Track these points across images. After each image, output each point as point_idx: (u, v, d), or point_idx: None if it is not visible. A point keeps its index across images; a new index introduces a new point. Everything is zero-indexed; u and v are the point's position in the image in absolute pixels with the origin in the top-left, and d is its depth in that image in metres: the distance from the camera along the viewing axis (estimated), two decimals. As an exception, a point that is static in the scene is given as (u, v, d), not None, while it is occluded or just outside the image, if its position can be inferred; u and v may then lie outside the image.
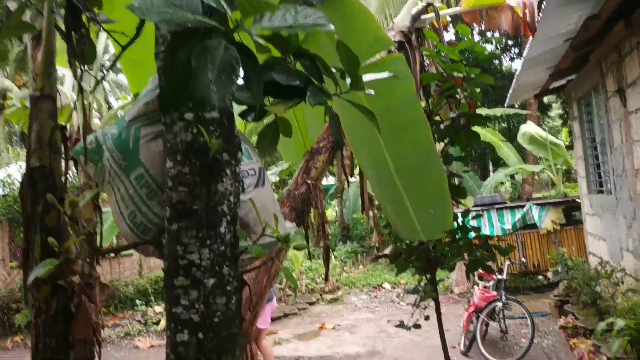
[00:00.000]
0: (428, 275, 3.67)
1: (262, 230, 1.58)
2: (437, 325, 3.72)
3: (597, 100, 7.01)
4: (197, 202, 1.48)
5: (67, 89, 5.31)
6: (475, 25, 5.36)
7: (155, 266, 12.97)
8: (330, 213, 19.38)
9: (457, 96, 3.91)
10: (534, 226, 10.42)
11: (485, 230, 9.89)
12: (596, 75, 6.63)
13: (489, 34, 14.22)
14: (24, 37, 2.17)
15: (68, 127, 3.90)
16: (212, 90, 1.01)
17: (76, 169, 2.10)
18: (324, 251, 3.24)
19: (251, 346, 2.99)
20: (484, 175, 20.62)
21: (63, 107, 4.75)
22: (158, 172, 1.62)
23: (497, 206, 10.53)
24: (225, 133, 1.53)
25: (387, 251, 3.92)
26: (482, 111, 12.62)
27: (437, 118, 3.90)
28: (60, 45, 2.06)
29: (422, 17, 4.04)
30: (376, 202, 8.75)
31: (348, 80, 1.71)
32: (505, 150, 14.43)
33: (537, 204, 10.55)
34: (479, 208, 10.17)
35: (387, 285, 12.85)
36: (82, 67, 1.63)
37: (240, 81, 1.60)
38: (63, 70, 7.51)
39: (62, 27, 1.69)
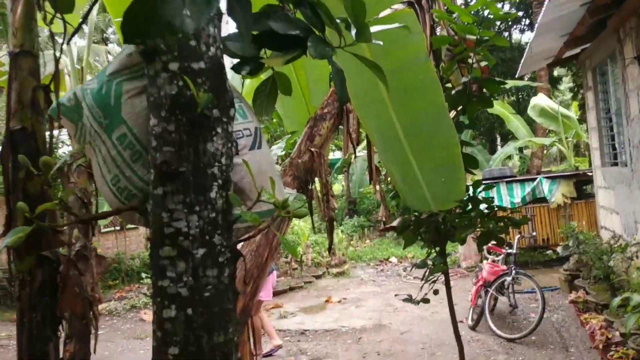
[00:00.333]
0: (437, 248, 3.53)
1: (258, 196, 1.42)
2: (447, 300, 3.59)
3: (614, 68, 6.75)
4: (183, 164, 1.32)
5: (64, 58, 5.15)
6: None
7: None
8: (337, 187, 19.26)
9: (470, 60, 3.71)
10: (543, 200, 10.24)
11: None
12: (613, 42, 6.36)
13: None
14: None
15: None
16: (184, 13, 0.84)
17: (51, 129, 1.94)
18: (328, 222, 3.09)
19: (252, 320, 2.87)
20: (492, 150, 20.35)
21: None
22: (142, 131, 1.46)
23: (506, 179, 10.34)
24: (215, 86, 1.37)
25: (395, 223, 3.77)
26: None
27: (448, 85, 3.71)
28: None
29: (433, -24, 3.82)
30: (383, 174, 8.61)
31: (353, 32, 1.54)
32: (515, 123, 14.16)
33: (547, 177, 10.35)
34: (488, 181, 9.99)
35: (393, 259, 12.77)
36: (55, 15, 1.46)
37: (232, 28, 1.42)
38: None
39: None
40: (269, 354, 6.43)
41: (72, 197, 2.68)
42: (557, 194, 10.06)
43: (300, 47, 1.57)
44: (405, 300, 3.57)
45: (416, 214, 3.64)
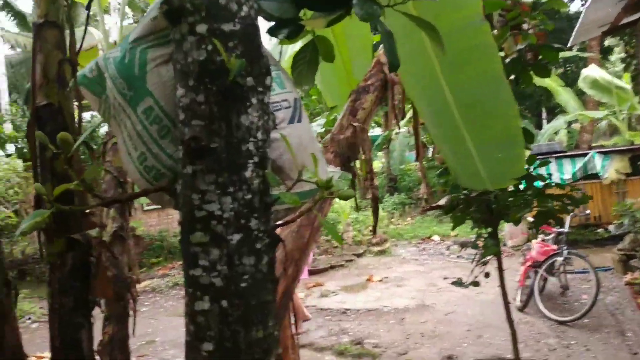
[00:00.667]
0: (489, 229, 3.31)
1: (298, 175, 1.26)
2: (499, 282, 3.38)
3: (678, 34, 6.26)
4: (215, 139, 1.17)
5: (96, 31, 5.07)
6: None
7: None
8: (377, 165, 18.99)
9: (524, 26, 3.43)
10: (595, 176, 9.77)
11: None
12: (678, 5, 5.89)
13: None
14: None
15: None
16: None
17: (79, 104, 1.83)
18: (372, 201, 2.92)
19: (293, 303, 2.75)
20: (538, 125, 19.63)
21: (91, 48, 4.52)
22: (170, 104, 1.31)
23: (555, 155, 9.90)
24: (249, 50, 1.21)
25: (441, 202, 3.57)
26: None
27: (501, 53, 3.44)
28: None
29: None
30: (427, 151, 8.32)
31: (404, -12, 1.35)
32: (564, 96, 13.54)
33: (600, 152, 9.85)
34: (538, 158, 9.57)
35: (436, 238, 12.52)
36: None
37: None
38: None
39: None
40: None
41: (109, 176, 2.59)
42: (611, 169, 9.58)
43: (344, 6, 1.39)
44: (454, 283, 3.38)
45: (465, 192, 3.43)
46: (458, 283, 3.35)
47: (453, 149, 2.36)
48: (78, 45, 1.90)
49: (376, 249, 11.21)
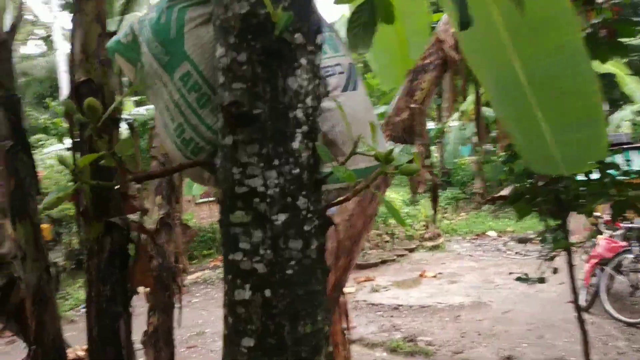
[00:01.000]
0: (557, 221, 3.05)
1: (353, 148, 1.09)
2: (569, 279, 3.11)
3: None
4: (258, 104, 1.02)
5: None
6: None
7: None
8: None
9: (598, 0, 3.14)
10: (666, 169, 9.13)
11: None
12: None
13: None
14: None
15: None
16: None
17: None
18: (431, 189, 2.72)
19: (344, 299, 2.59)
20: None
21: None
22: (210, 69, 1.17)
23: (623, 146, 9.31)
24: (298, 3, 1.05)
25: (504, 192, 3.32)
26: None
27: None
28: None
29: None
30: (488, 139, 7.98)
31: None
32: (632, 86, 12.76)
33: (672, 144, 9.19)
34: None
35: (491, 233, 12.07)
36: None
37: None
38: None
39: None
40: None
41: (155, 162, 2.50)
42: (684, 162, 8.92)
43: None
44: (519, 279, 3.13)
45: (531, 181, 3.17)
46: (523, 279, 3.10)
47: (523, 130, 2.14)
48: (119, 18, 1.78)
49: (429, 244, 10.91)
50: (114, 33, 1.78)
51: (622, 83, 12.91)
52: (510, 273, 7.61)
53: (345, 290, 7.26)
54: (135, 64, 1.28)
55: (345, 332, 3.00)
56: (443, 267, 9.30)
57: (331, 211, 3.81)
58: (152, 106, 1.52)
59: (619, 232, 6.42)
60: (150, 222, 2.78)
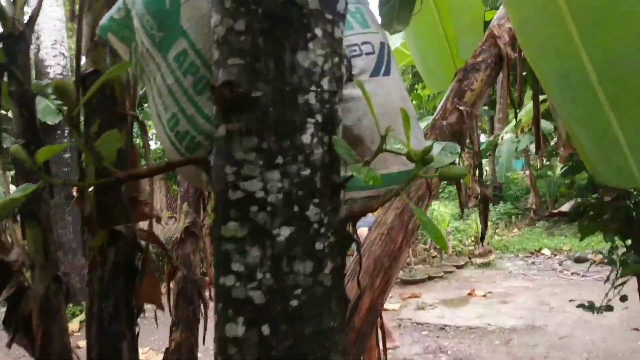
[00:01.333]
0: (627, 242, 2.69)
1: (380, 144, 0.85)
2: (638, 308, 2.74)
3: None
4: (259, 85, 0.80)
5: None
6: None
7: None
8: (481, 171, 17.97)
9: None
10: None
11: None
12: None
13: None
14: None
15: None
16: None
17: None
18: (481, 202, 2.43)
19: (382, 320, 2.32)
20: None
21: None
22: (211, 46, 0.95)
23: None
24: (313, -44, 0.82)
25: (565, 208, 2.98)
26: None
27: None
28: None
29: None
30: (534, 157, 7.55)
31: None
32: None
33: None
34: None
35: (546, 251, 11.45)
36: None
37: None
38: None
39: None
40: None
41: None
42: None
43: None
44: (582, 306, 2.78)
45: (596, 195, 2.82)
46: (590, 307, 2.74)
47: (592, 136, 1.84)
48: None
49: (479, 260, 10.42)
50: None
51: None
52: (570, 301, 7.09)
53: (389, 306, 6.96)
54: (130, 45, 1.09)
55: (384, 352, 2.73)
56: (493, 285, 8.82)
57: (366, 223, 3.55)
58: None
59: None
60: (176, 231, 2.61)
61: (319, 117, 0.83)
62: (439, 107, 2.35)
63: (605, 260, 2.68)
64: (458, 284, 9.05)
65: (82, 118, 1.61)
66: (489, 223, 12.98)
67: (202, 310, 2.52)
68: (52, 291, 1.79)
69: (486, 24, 2.91)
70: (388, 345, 4.44)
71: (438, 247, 10.48)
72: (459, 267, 10.10)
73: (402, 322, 7.02)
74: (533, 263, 10.62)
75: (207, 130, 0.98)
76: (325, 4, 0.84)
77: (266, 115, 0.80)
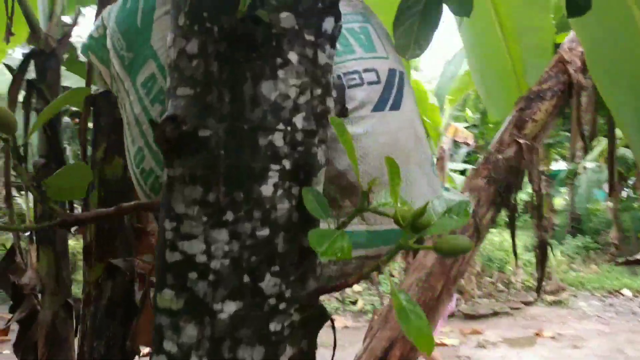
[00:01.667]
0: None
1: (361, 202, 0.66)
2: None
3: None
4: (209, 122, 0.64)
5: None
6: None
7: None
8: (559, 202, 17.04)
9: None
10: None
11: None
12: None
13: None
14: None
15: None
16: None
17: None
18: (538, 247, 2.16)
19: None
20: None
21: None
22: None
23: None
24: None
25: (643, 256, 2.62)
26: None
27: None
28: None
29: None
30: (623, 187, 6.92)
31: None
32: None
33: None
34: None
35: (627, 292, 10.55)
36: None
37: None
38: None
39: None
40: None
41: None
42: None
43: None
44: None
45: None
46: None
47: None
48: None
49: (550, 298, 9.73)
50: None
51: None
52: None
53: (448, 342, 6.58)
54: (109, 66, 0.96)
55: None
56: (564, 327, 8.18)
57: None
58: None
59: None
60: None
61: (286, 163, 0.65)
62: (495, 138, 2.11)
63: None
64: (525, 322, 8.47)
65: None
66: (565, 257, 12.21)
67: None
68: (61, 319, 1.71)
69: (557, 47, 2.64)
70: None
71: (506, 280, 9.92)
72: (527, 303, 9.47)
73: (461, 359, 6.61)
74: (611, 304, 9.79)
75: (174, 168, 0.82)
76: (304, 22, 0.67)
77: (216, 160, 0.63)
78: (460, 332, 7.60)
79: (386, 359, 1.80)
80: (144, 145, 0.85)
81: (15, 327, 1.82)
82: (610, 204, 13.79)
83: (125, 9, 0.87)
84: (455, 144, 10.65)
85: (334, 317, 6.47)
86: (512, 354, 6.85)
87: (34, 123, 0.83)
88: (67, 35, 1.84)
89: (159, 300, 0.66)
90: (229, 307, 0.62)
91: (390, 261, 0.63)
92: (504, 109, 2.67)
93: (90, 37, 0.98)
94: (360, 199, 0.65)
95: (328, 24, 0.70)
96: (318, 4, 0.68)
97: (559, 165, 16.35)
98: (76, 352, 1.53)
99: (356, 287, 10.23)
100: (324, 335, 0.77)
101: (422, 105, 4.17)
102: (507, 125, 2.10)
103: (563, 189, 16.74)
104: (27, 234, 1.84)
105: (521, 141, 2.01)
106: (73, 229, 1.84)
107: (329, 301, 9.67)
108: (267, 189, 0.64)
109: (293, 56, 0.66)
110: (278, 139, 0.65)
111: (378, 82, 0.82)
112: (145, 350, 1.64)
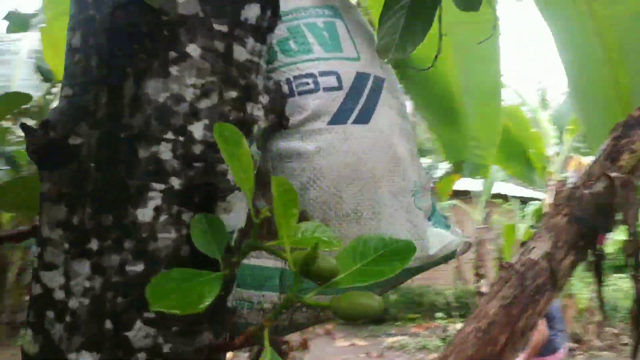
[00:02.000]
0: None
1: (248, 244, 0.50)
2: None
3: None
4: (81, 127, 0.53)
5: None
6: None
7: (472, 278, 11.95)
8: None
9: None
10: None
11: None
12: None
13: None
14: None
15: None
16: None
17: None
18: (635, 301, 1.80)
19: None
20: None
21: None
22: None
23: None
24: None
25: None
26: None
27: None
28: None
29: None
30: None
31: None
32: None
33: None
34: None
35: None
36: None
37: None
38: None
39: None
40: None
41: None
42: None
43: None
44: None
45: None
46: None
47: None
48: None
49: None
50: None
51: None
52: None
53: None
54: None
55: None
56: None
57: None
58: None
59: None
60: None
61: (175, 182, 0.52)
62: (582, 171, 1.80)
63: None
64: (655, 384, 7.39)
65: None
66: None
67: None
68: None
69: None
70: None
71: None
72: (659, 362, 8.31)
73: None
74: None
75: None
76: (214, 9, 0.54)
77: (85, 174, 0.52)
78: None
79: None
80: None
81: None
82: None
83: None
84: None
85: (433, 356, 6.08)
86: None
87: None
88: None
89: (21, 338, 0.55)
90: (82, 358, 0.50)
91: (275, 320, 0.46)
92: (600, 137, 2.33)
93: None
94: (255, 231, 0.49)
95: (250, 12, 0.56)
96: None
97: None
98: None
99: (460, 326, 9.64)
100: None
101: (522, 134, 3.83)
102: (598, 156, 1.79)
103: None
104: None
105: (614, 175, 1.70)
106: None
107: (430, 338, 9.21)
108: (145, 213, 0.51)
109: (193, 50, 0.53)
110: (165, 151, 0.52)
111: (339, 88, 0.66)
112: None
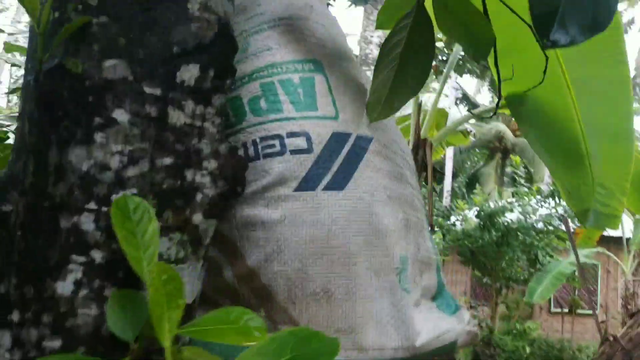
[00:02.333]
0: None
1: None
2: None
3: None
4: (11, 194, 0.53)
5: None
6: None
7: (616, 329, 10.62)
8: None
9: None
10: None
11: None
12: None
13: None
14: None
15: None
16: None
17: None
18: None
19: None
20: None
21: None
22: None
23: None
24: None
25: None
26: None
27: None
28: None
29: None
30: None
31: None
32: None
33: None
34: None
35: None
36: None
37: None
38: None
39: None
40: None
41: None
42: None
43: None
44: None
45: None
46: None
47: None
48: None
49: None
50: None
51: None
52: None
53: None
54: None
55: None
56: None
57: None
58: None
59: None
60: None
61: (97, 255, 0.49)
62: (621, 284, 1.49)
63: None
64: None
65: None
66: None
67: None
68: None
69: None
70: None
71: None
72: None
73: None
74: None
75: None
76: (145, 71, 0.51)
77: (12, 243, 0.51)
78: None
79: None
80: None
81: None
82: None
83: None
84: None
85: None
86: None
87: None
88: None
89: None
90: None
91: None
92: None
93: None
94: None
95: (187, 73, 0.53)
96: (171, 48, 0.52)
97: None
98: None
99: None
100: None
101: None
102: None
103: None
104: None
105: None
106: None
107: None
108: (64, 287, 0.49)
109: (121, 115, 0.51)
110: (86, 222, 0.50)
111: (308, 150, 0.59)
112: None
